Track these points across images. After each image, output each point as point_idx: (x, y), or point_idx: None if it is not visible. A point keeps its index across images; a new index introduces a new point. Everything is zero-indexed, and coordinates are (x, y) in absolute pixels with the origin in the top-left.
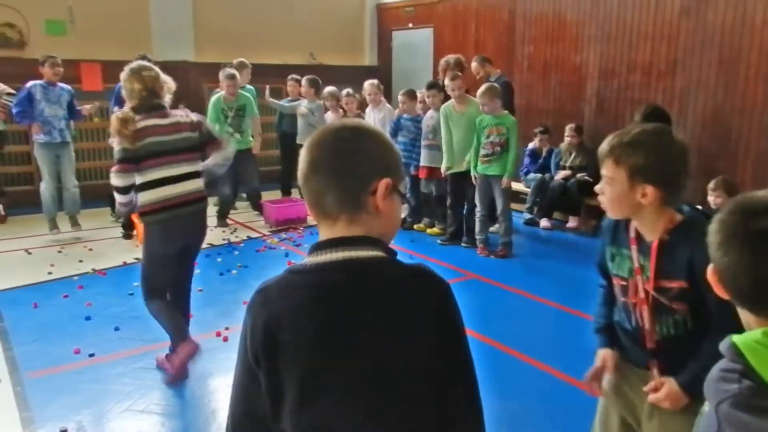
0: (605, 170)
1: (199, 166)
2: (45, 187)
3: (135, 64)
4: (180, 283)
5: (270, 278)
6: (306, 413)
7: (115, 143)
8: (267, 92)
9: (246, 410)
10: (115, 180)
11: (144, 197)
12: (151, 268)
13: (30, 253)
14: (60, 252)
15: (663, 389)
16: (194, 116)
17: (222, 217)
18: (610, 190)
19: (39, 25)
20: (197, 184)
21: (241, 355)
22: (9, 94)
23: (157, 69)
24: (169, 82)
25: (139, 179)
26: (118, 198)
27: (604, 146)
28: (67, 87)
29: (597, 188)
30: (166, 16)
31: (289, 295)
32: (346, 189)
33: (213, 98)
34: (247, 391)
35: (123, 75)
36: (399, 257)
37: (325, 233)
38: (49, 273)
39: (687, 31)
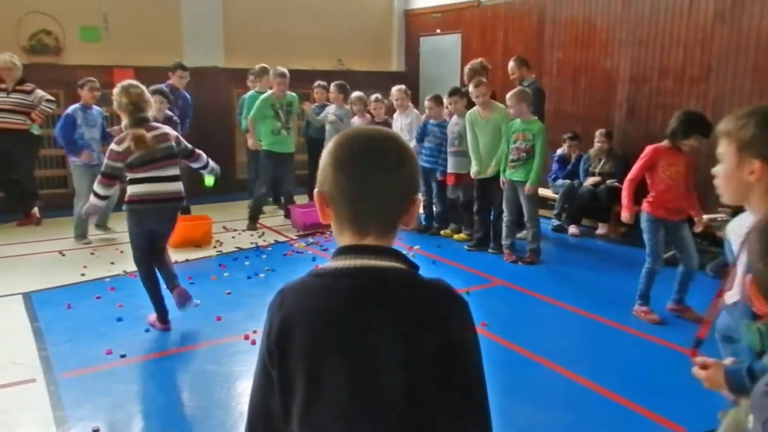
0: (719, 147)
1: (178, 171)
2: (81, 206)
3: (125, 81)
4: (158, 253)
5: (292, 280)
6: (310, 415)
7: (106, 158)
8: (307, 106)
9: (262, 410)
10: (100, 190)
11: (132, 189)
12: (132, 242)
13: (64, 255)
14: (92, 254)
15: (709, 370)
16: (174, 132)
17: (252, 220)
18: (721, 168)
19: (74, 31)
20: (177, 186)
21: (260, 355)
22: (48, 100)
23: (142, 87)
24: (150, 101)
25: (130, 175)
26: (95, 202)
27: (719, 124)
28: (99, 109)
29: (713, 170)
30: (197, 23)
31: (305, 297)
32: (393, 210)
33: (262, 96)
34: (263, 391)
35: (115, 90)
36: (425, 263)
37: (350, 239)
38: (82, 275)
39: (721, 36)
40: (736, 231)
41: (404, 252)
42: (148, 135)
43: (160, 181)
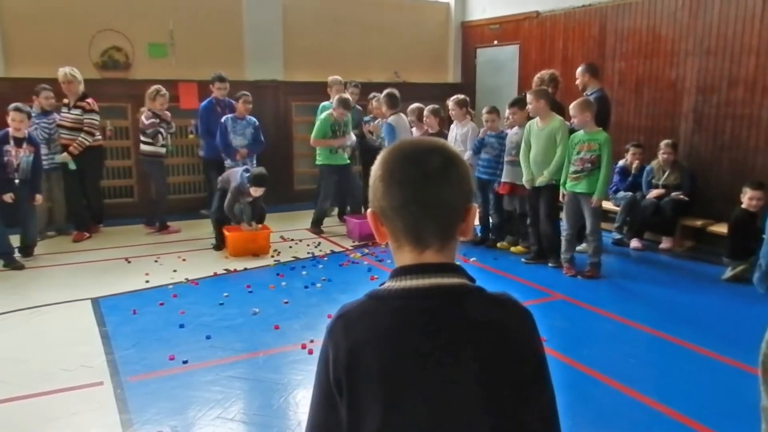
0: None
1: None
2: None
3: (152, 88)
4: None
5: (349, 303)
6: None
7: None
8: (373, 127)
9: None
10: None
11: None
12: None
13: (129, 262)
14: (156, 261)
15: None
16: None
17: (316, 224)
18: None
19: (143, 48)
20: None
21: (320, 382)
22: (89, 132)
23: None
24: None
25: None
26: None
27: None
28: (252, 119)
29: None
30: (258, 38)
31: (373, 321)
32: (449, 219)
33: (323, 117)
34: (324, 420)
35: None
36: (483, 276)
37: (409, 258)
38: (146, 281)
39: None
40: None
41: (460, 263)
42: None
43: None
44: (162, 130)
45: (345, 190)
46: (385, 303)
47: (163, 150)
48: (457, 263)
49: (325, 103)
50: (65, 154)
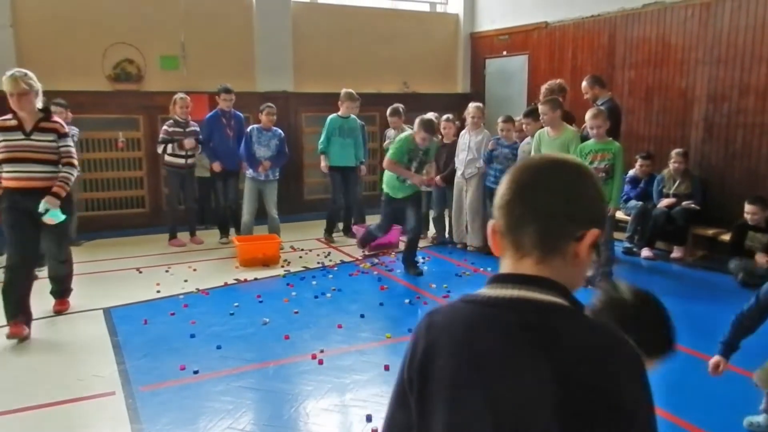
0: None
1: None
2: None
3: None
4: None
5: (442, 304)
6: None
7: None
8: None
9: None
10: None
11: None
12: None
13: (140, 272)
14: (167, 272)
15: None
16: None
17: (363, 244)
18: None
19: (155, 60)
20: None
21: (398, 378)
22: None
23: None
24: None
25: None
26: None
27: None
28: (278, 130)
29: None
30: (269, 49)
31: (452, 323)
32: (553, 230)
33: (404, 135)
34: (392, 415)
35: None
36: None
37: (507, 266)
38: (158, 291)
39: None
40: None
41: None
42: None
43: None
44: (173, 143)
45: (351, 201)
46: (469, 308)
47: (179, 161)
48: (557, 281)
49: (332, 116)
50: (46, 200)
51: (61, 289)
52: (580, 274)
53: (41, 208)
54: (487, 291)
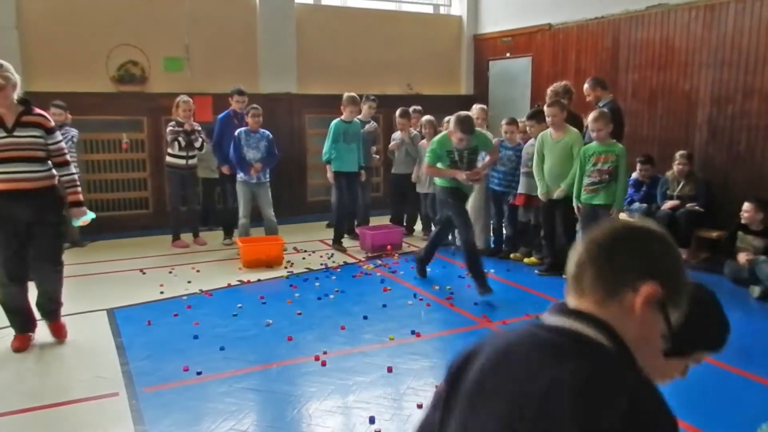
0: None
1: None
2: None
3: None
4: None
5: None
6: None
7: None
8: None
9: (422, 421)
10: None
11: None
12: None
13: (144, 273)
14: (170, 273)
15: None
16: None
17: (420, 265)
18: None
19: (158, 62)
20: None
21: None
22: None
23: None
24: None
25: None
26: None
27: None
28: (265, 131)
29: None
30: (273, 51)
31: (502, 335)
32: (607, 277)
33: (438, 137)
34: (425, 415)
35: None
36: (497, 287)
37: (570, 300)
38: (161, 293)
39: None
40: None
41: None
42: None
43: None
44: (180, 138)
45: (355, 203)
46: (525, 327)
47: (180, 161)
48: (609, 323)
49: (336, 121)
50: (73, 214)
51: (53, 308)
52: (641, 337)
53: (75, 223)
54: (546, 315)
